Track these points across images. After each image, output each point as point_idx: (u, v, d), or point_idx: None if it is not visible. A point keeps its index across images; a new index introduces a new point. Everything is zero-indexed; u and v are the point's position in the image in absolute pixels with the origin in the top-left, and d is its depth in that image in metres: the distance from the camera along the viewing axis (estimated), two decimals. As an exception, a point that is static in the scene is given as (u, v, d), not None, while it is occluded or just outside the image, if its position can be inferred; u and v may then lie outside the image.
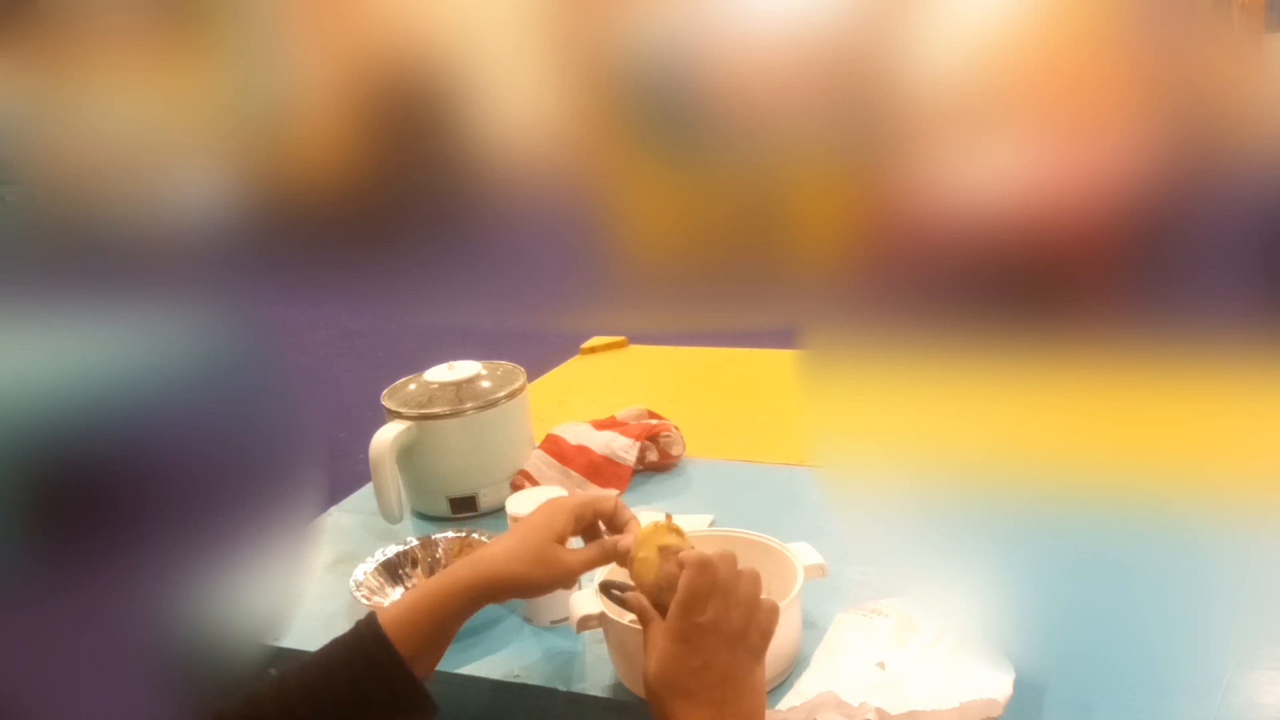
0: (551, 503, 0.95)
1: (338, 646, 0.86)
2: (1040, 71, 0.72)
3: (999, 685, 0.88)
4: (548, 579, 0.90)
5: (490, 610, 1.04)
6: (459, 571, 0.89)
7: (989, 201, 0.74)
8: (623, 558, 0.91)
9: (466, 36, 0.77)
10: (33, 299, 0.65)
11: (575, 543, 0.96)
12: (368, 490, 1.33)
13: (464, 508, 1.32)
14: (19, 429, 0.57)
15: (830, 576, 1.01)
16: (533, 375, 1.53)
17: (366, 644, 0.84)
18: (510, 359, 1.41)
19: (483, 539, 1.21)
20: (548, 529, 0.91)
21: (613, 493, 0.98)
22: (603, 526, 0.96)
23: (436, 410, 1.29)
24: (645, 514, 0.95)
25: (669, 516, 0.90)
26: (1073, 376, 0.80)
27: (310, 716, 0.82)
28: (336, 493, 1.42)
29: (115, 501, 0.59)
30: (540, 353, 1.78)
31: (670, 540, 0.86)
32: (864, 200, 0.77)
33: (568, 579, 0.92)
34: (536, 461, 1.34)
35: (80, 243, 0.77)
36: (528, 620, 1.09)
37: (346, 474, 1.46)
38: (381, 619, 0.86)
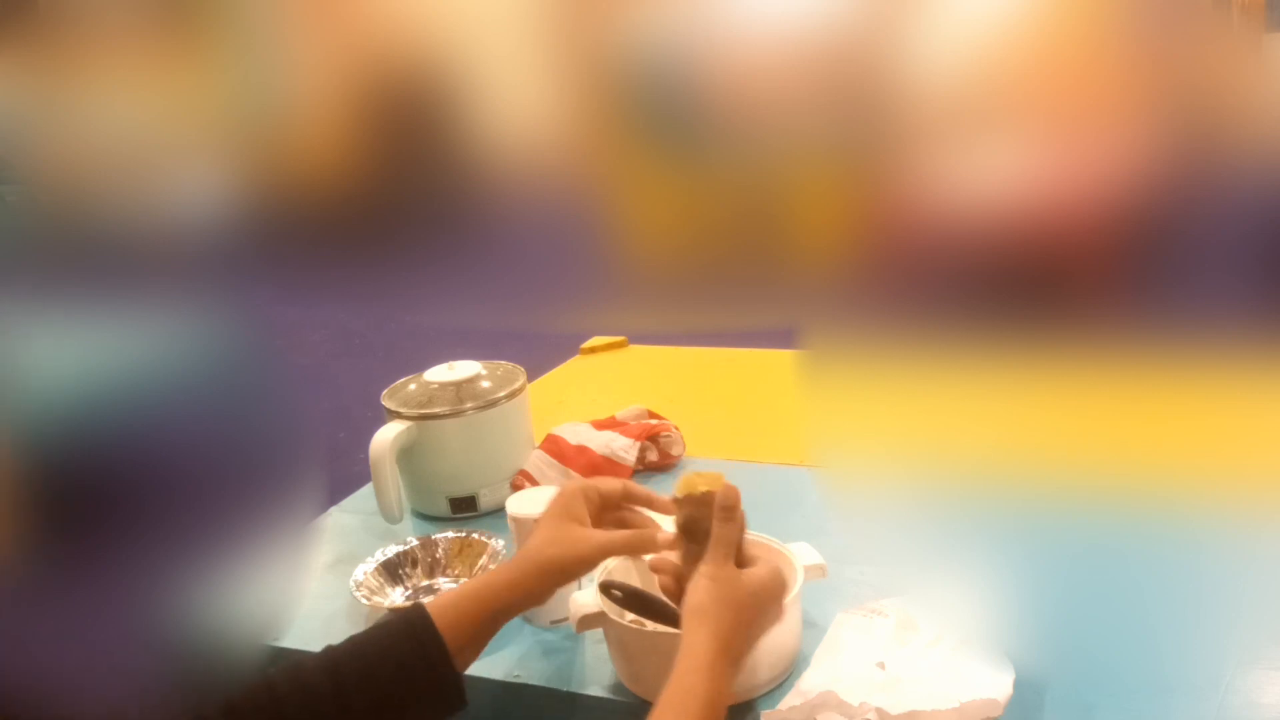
0: (560, 491, 0.97)
1: (389, 631, 0.89)
2: (1040, 72, 0.72)
3: (999, 685, 0.88)
4: (576, 555, 0.93)
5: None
6: (501, 570, 0.94)
7: (989, 201, 0.74)
8: (652, 544, 0.95)
9: (466, 37, 0.77)
10: (33, 299, 0.65)
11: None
12: (368, 490, 1.33)
13: (464, 508, 1.32)
14: (19, 428, 0.57)
15: (830, 576, 1.01)
16: (533, 375, 1.53)
17: (419, 634, 0.88)
18: (510, 359, 1.41)
19: (483, 539, 1.21)
20: (563, 513, 0.95)
21: (619, 480, 1.00)
22: (648, 511, 0.99)
23: (436, 410, 1.29)
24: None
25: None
26: (1072, 376, 0.80)
27: (357, 697, 0.85)
28: (336, 493, 1.42)
29: (115, 501, 0.59)
30: (540, 353, 1.78)
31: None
32: (864, 200, 0.77)
33: (597, 554, 0.95)
34: (536, 461, 1.34)
35: (80, 243, 0.77)
36: (528, 620, 1.09)
37: (346, 474, 1.46)
38: (431, 610, 0.89)
